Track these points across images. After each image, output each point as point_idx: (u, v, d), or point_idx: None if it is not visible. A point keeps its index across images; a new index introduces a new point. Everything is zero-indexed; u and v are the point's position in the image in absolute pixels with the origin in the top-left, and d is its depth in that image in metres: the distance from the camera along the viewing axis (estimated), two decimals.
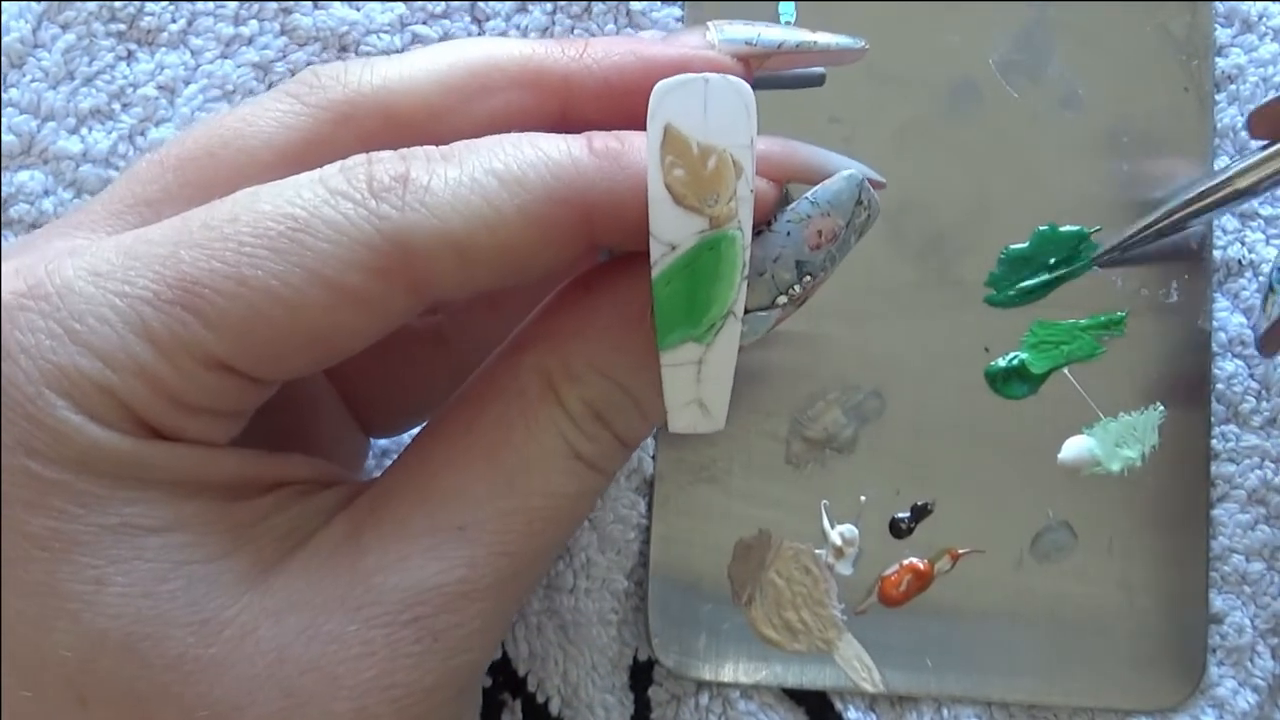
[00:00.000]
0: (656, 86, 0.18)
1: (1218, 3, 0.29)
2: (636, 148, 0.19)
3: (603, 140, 0.19)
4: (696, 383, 0.19)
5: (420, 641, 0.19)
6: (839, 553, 0.28)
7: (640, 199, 0.18)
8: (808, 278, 0.20)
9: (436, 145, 0.19)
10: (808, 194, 0.20)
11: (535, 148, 0.18)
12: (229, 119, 0.20)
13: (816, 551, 0.28)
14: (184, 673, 0.18)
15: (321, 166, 0.19)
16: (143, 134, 0.29)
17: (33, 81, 0.29)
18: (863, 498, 0.28)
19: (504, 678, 0.28)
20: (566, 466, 0.20)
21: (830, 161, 0.21)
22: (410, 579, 0.19)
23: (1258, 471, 0.28)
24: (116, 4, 0.29)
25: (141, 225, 0.20)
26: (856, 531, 0.28)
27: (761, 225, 0.20)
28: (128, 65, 0.29)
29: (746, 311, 0.19)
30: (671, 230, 0.18)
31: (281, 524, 0.19)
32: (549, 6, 0.30)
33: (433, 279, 0.18)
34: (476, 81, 0.20)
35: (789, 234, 0.20)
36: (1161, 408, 0.28)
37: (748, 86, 0.18)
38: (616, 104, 0.20)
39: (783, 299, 0.20)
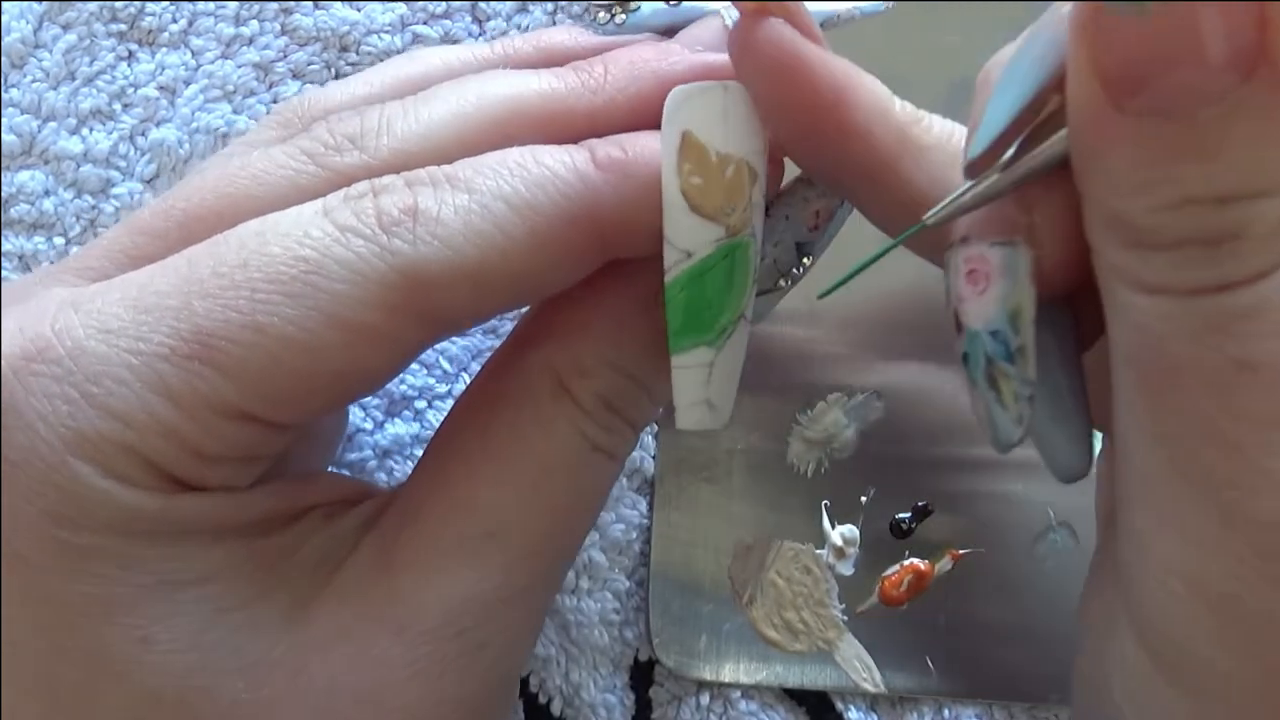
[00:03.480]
0: (674, 91, 0.17)
1: None
2: (640, 153, 0.18)
3: (604, 150, 0.18)
4: (707, 384, 0.19)
5: (465, 654, 0.19)
6: (839, 553, 0.28)
7: (650, 207, 0.18)
8: (807, 258, 0.20)
9: None
10: (801, 174, 0.20)
11: (540, 165, 0.18)
12: (240, 176, 0.19)
13: (817, 552, 0.28)
14: (238, 719, 0.18)
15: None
16: (143, 134, 0.29)
17: (34, 82, 0.29)
18: (863, 498, 0.28)
19: None
20: (587, 460, 0.20)
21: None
22: (448, 592, 0.19)
23: None
24: (117, 4, 0.29)
25: None
26: (857, 532, 0.28)
27: None
28: (128, 65, 0.29)
29: None
30: (688, 238, 0.18)
31: (312, 554, 0.19)
32: (549, 6, 0.30)
33: (449, 310, 0.18)
34: (499, 133, 0.19)
35: (788, 218, 0.20)
36: None
37: None
38: (640, 128, 0.20)
39: (784, 281, 0.20)
